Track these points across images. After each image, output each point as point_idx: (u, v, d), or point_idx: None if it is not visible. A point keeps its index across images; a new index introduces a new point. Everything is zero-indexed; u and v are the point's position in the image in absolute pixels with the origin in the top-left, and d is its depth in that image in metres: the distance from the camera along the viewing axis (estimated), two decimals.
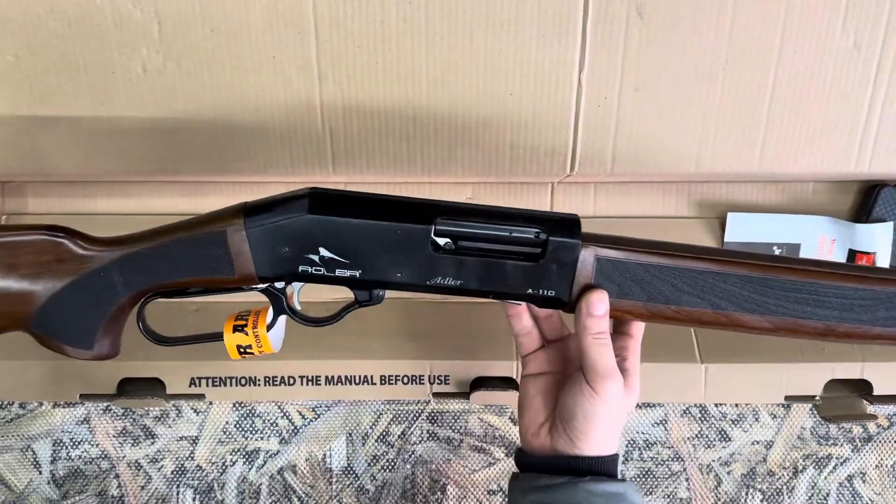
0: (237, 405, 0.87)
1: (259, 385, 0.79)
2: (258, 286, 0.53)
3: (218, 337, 0.55)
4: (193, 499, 0.88)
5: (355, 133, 0.73)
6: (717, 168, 0.76)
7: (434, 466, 0.88)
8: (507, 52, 0.69)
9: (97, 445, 0.87)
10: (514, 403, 0.82)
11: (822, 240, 0.83)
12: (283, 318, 0.56)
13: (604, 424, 0.54)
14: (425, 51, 0.69)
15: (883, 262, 0.82)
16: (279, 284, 0.53)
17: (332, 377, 0.79)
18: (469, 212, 0.51)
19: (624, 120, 0.73)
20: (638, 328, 0.59)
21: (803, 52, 0.71)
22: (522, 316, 0.59)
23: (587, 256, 0.51)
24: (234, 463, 0.88)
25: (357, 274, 0.50)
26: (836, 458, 0.90)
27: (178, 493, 0.88)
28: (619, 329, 0.60)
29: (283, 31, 0.69)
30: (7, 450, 0.88)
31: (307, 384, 0.79)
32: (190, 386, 0.79)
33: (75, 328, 0.52)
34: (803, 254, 0.84)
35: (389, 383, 0.79)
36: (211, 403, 0.87)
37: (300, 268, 0.50)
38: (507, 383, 0.79)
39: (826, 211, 0.84)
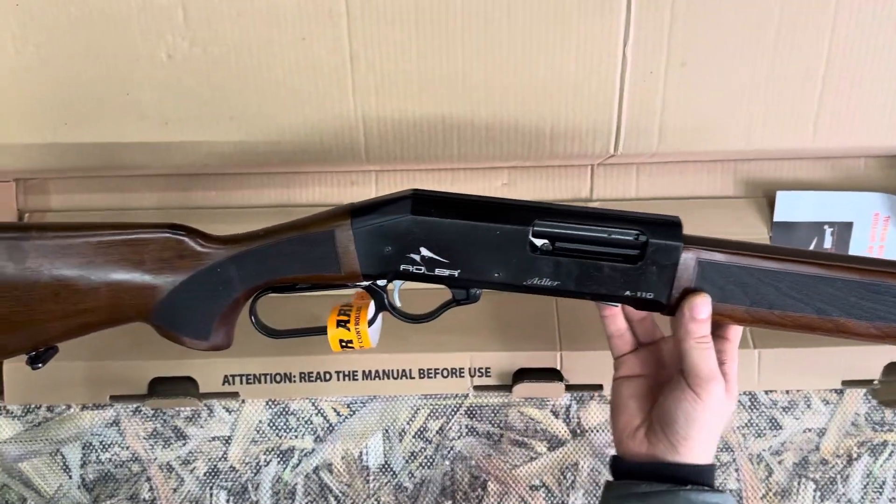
0: (270, 403, 0.84)
1: (294, 381, 0.76)
2: (362, 283, 0.55)
3: (322, 331, 0.57)
4: (227, 500, 0.85)
5: (388, 117, 0.70)
6: (767, 144, 0.72)
7: (474, 462, 0.85)
8: (547, 26, 0.66)
9: (127, 448, 0.85)
10: (558, 395, 0.79)
11: (876, 217, 0.80)
12: (380, 316, 0.58)
13: (706, 430, 0.54)
14: (461, 26, 0.66)
15: None
16: (381, 282, 0.55)
17: (369, 372, 0.76)
18: (567, 213, 0.52)
19: (670, 95, 0.70)
20: (735, 332, 0.58)
21: (859, 22, 0.67)
22: (617, 318, 0.59)
23: (688, 259, 0.51)
24: (268, 463, 0.85)
25: (456, 273, 0.52)
26: (893, 444, 0.86)
27: (211, 495, 0.85)
28: (715, 332, 0.58)
29: (312, 12, 0.66)
30: (36, 454, 0.85)
31: (343, 379, 0.76)
32: (223, 384, 0.77)
33: (193, 320, 0.55)
34: (856, 232, 0.80)
35: (429, 377, 0.76)
36: (243, 402, 0.84)
37: (402, 266, 0.52)
38: (550, 375, 0.76)
39: (879, 187, 0.80)
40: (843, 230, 0.80)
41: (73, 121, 0.70)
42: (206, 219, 0.79)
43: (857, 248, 0.81)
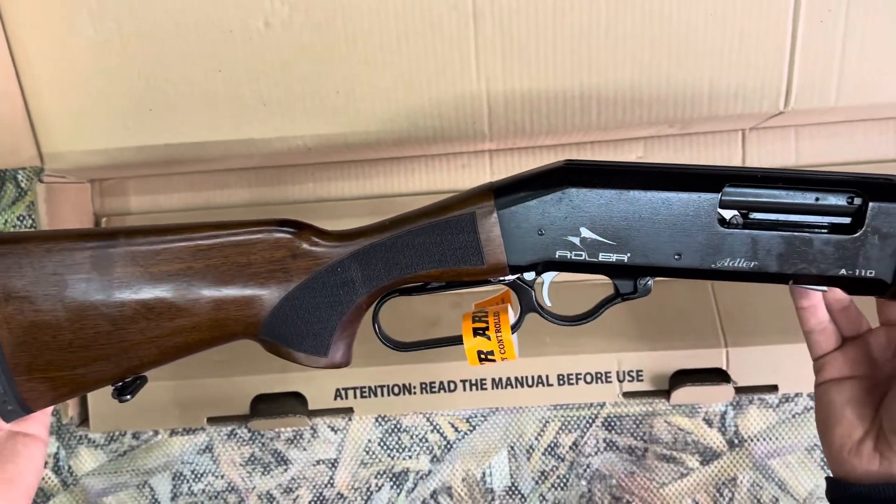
0: (380, 420, 0.75)
1: (415, 393, 0.67)
2: (507, 277, 0.46)
3: (457, 341, 0.49)
4: None
5: (517, 83, 0.60)
6: None
7: (615, 481, 0.74)
8: None
9: (223, 477, 0.76)
10: (725, 399, 0.68)
11: None
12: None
13: None
14: None
15: None
16: (529, 275, 0.46)
17: (499, 380, 0.66)
18: (762, 177, 0.42)
19: (852, 38, 0.59)
20: None
21: None
22: (819, 308, 0.49)
23: None
24: (380, 487, 0.75)
25: (625, 258, 0.43)
26: None
27: None
28: None
29: None
30: (122, 487, 0.77)
31: (470, 389, 0.67)
32: (335, 399, 0.67)
33: (310, 332, 0.47)
34: None
35: (569, 383, 0.66)
36: (350, 420, 0.75)
37: (557, 253, 0.44)
38: (715, 376, 0.65)
39: None
40: None
41: (159, 106, 0.62)
42: (303, 214, 0.70)
43: None
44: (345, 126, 0.62)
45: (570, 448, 0.75)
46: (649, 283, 0.45)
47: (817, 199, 0.42)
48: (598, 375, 0.66)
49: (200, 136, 0.63)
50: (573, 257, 0.44)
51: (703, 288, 0.68)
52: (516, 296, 0.47)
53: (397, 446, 0.75)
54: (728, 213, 0.43)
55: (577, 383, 0.66)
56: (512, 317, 0.48)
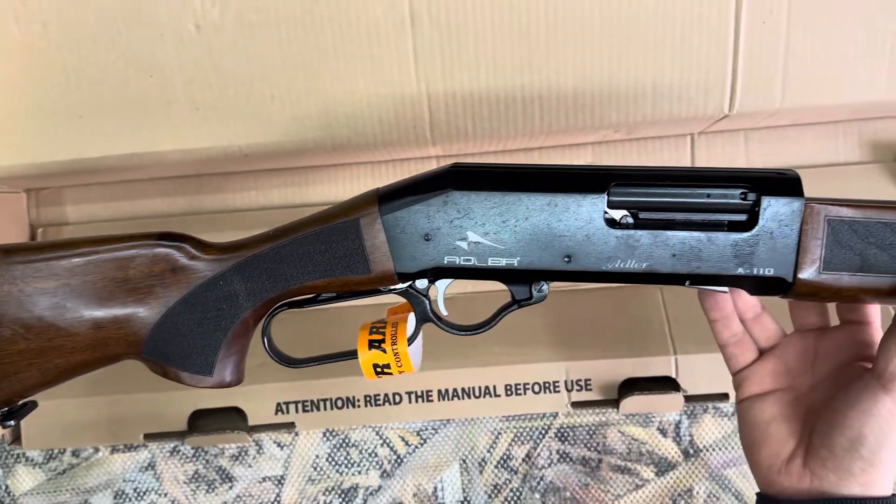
0: (328, 434, 0.72)
1: (359, 406, 0.65)
2: (398, 286, 0.45)
3: (352, 355, 0.47)
4: None
5: (457, 86, 0.59)
6: None
7: (569, 494, 0.73)
8: None
9: (166, 495, 0.73)
10: (675, 409, 0.66)
11: None
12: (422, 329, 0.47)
13: None
14: None
15: None
16: (421, 284, 0.45)
17: (446, 391, 0.65)
18: (651, 175, 0.41)
19: (796, 36, 0.58)
20: (875, 312, 0.46)
21: None
22: (731, 320, 0.48)
23: (813, 219, 0.40)
24: None
25: (515, 262, 0.42)
26: None
27: None
28: (848, 317, 0.47)
29: None
30: None
31: (417, 401, 0.65)
32: (276, 413, 0.65)
33: (193, 350, 0.45)
34: None
35: (517, 394, 0.64)
36: (297, 434, 0.72)
37: (446, 258, 0.42)
38: (665, 385, 0.64)
39: None
40: None
41: (90, 112, 0.60)
42: (245, 223, 0.68)
43: None
44: (281, 131, 0.60)
45: (523, 460, 0.73)
46: (544, 287, 0.44)
47: (708, 196, 0.41)
48: (546, 385, 0.64)
49: (133, 143, 0.61)
50: (462, 263, 0.42)
51: (653, 294, 0.66)
52: (411, 306, 0.45)
53: (346, 461, 0.73)
54: (618, 214, 0.41)
55: (524, 393, 0.64)
56: (411, 328, 0.46)
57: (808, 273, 0.41)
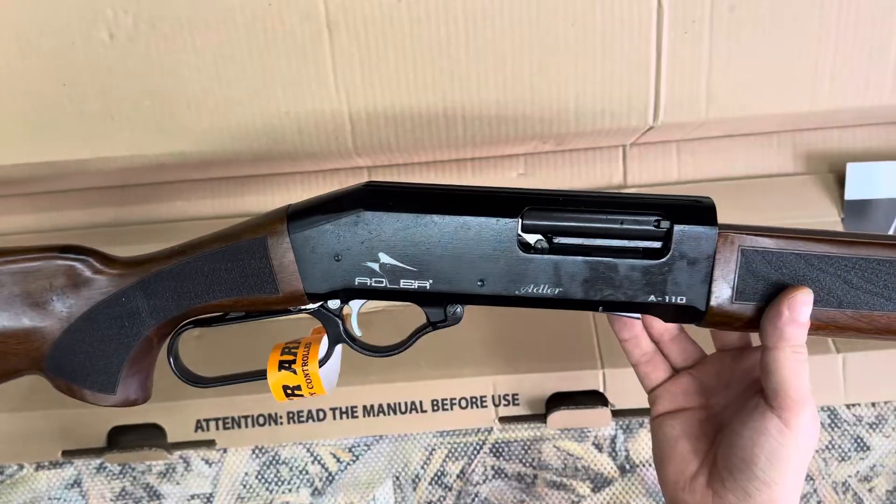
0: (257, 451, 0.71)
1: (281, 424, 0.63)
2: (308, 307, 0.44)
3: (261, 375, 0.46)
4: None
5: (378, 97, 0.58)
6: (837, 104, 0.60)
7: None
8: None
9: None
10: (603, 423, 0.65)
11: None
12: (339, 349, 0.46)
13: (792, 470, 0.41)
14: None
15: None
16: (333, 304, 0.44)
17: (371, 407, 0.63)
18: (565, 199, 0.41)
19: (719, 49, 0.57)
20: None
21: None
22: (640, 339, 0.47)
23: (727, 248, 0.40)
24: None
25: (427, 285, 0.41)
26: None
27: None
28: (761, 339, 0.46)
29: None
30: None
31: (341, 418, 0.63)
32: (196, 431, 0.64)
33: (95, 368, 0.44)
34: None
35: (444, 409, 0.63)
36: (225, 451, 0.71)
37: (357, 280, 0.41)
38: (592, 399, 0.63)
39: None
40: None
41: (4, 121, 0.58)
42: (172, 234, 0.67)
43: None
44: (198, 141, 0.59)
45: (458, 476, 0.71)
46: (458, 310, 0.43)
47: (622, 223, 0.40)
48: (474, 400, 0.63)
49: (47, 152, 0.59)
50: (374, 284, 0.41)
51: None
52: (323, 326, 0.44)
53: (276, 479, 0.71)
54: (532, 238, 0.41)
55: (451, 409, 0.63)
56: (325, 348, 0.45)
57: (720, 302, 0.41)
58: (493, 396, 0.63)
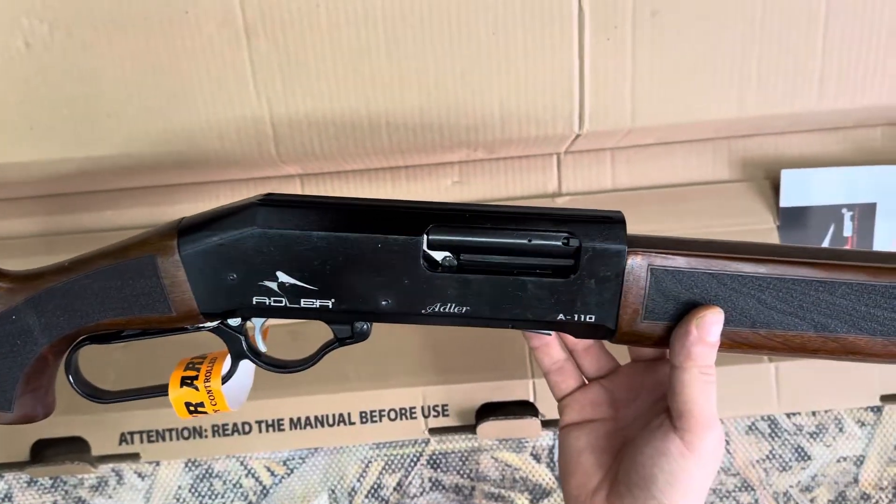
0: (190, 464, 0.70)
1: (206, 437, 0.62)
2: (207, 325, 0.42)
3: (163, 391, 0.44)
4: None
5: (300, 104, 0.57)
6: (765, 110, 0.59)
7: None
8: None
9: None
10: (533, 434, 0.65)
11: None
12: (245, 365, 0.44)
13: (692, 491, 0.40)
14: None
15: None
16: (234, 321, 0.42)
17: (299, 420, 0.62)
18: (473, 215, 0.39)
19: (642, 55, 0.57)
20: None
21: None
22: (551, 348, 0.46)
23: (637, 267, 0.39)
24: None
25: (329, 304, 0.40)
26: None
27: None
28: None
29: None
30: None
31: (267, 430, 0.62)
32: (120, 444, 0.63)
33: None
34: (881, 215, 0.66)
35: (372, 421, 0.62)
36: (158, 464, 0.69)
37: (254, 299, 0.39)
38: (522, 409, 0.62)
39: None
40: (866, 213, 0.66)
41: None
42: (98, 244, 0.66)
43: (883, 235, 0.67)
44: (119, 148, 0.58)
45: (395, 489, 0.70)
46: (366, 327, 0.41)
47: (531, 240, 0.39)
48: (403, 411, 0.62)
49: None
50: (273, 303, 0.39)
51: None
52: (225, 343, 0.43)
53: (209, 493, 0.70)
54: (439, 255, 0.39)
55: (380, 420, 0.62)
56: (228, 365, 0.44)
57: (629, 321, 0.40)
58: (422, 407, 0.62)
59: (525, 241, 0.39)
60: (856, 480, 0.71)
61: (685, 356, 0.39)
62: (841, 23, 0.57)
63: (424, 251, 0.39)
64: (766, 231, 0.66)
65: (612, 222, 0.39)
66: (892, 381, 0.63)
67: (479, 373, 0.62)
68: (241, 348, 0.43)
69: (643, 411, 0.45)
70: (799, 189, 0.66)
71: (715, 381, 0.40)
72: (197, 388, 0.43)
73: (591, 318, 0.39)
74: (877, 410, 0.70)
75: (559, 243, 0.39)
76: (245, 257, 0.39)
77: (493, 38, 0.56)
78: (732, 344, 0.41)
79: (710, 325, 0.39)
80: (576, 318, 0.39)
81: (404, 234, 0.38)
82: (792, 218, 0.66)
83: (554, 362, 0.47)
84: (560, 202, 0.67)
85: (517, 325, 0.40)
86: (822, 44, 0.57)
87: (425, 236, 0.39)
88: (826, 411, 0.70)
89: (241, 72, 0.56)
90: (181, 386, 0.44)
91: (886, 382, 0.62)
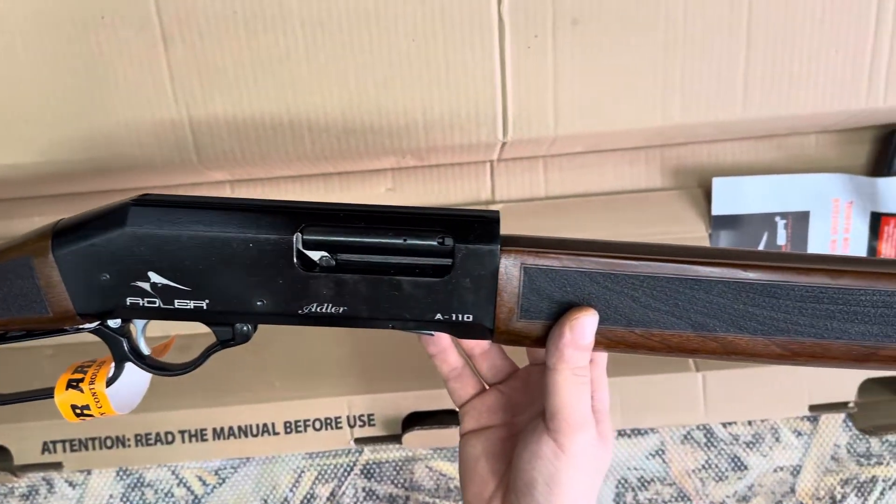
0: (122, 473, 0.69)
1: (129, 446, 0.62)
2: (86, 326, 0.42)
3: (50, 393, 0.44)
4: None
5: (220, 109, 0.57)
6: (690, 118, 0.59)
7: None
8: None
9: None
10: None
11: (837, 204, 0.66)
12: (135, 369, 0.44)
13: (573, 493, 0.39)
14: None
15: None
16: (114, 323, 0.42)
17: (222, 429, 0.61)
18: (347, 215, 0.39)
19: (563, 62, 0.57)
20: (601, 354, 0.44)
21: None
22: (448, 354, 0.46)
23: (510, 266, 0.39)
24: None
25: (204, 305, 0.39)
26: (883, 480, 0.71)
27: None
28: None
29: None
30: None
31: (191, 440, 0.61)
32: (43, 453, 0.62)
33: None
34: (814, 223, 0.66)
35: (297, 431, 0.62)
36: (88, 473, 0.69)
37: (128, 300, 0.40)
38: (448, 418, 0.61)
39: (837, 167, 0.67)
40: (799, 221, 0.66)
41: None
42: None
43: (817, 241, 0.67)
44: (38, 155, 0.58)
45: (328, 499, 0.70)
46: (246, 328, 0.41)
47: (406, 240, 0.39)
48: (328, 421, 0.61)
49: None
50: (147, 304, 0.39)
51: None
52: (106, 345, 0.43)
53: (141, 502, 0.69)
54: (316, 255, 0.39)
55: (305, 430, 0.61)
56: (113, 367, 0.43)
57: (505, 319, 0.39)
58: (348, 417, 0.62)
59: (400, 241, 0.39)
60: (793, 490, 0.71)
61: (558, 358, 0.39)
62: (763, 31, 0.56)
63: (299, 251, 0.39)
64: (698, 239, 0.66)
65: (486, 221, 0.39)
66: (820, 390, 0.62)
67: (405, 382, 0.61)
68: (123, 351, 0.43)
69: (538, 415, 0.44)
70: (730, 197, 0.66)
71: (587, 382, 0.40)
72: (82, 391, 0.43)
73: (468, 318, 0.39)
74: (813, 420, 0.70)
75: (434, 243, 0.39)
76: (117, 258, 0.39)
77: (412, 46, 0.55)
78: (609, 343, 0.40)
79: (583, 327, 0.38)
80: (454, 318, 0.39)
81: (276, 234, 0.38)
82: (724, 225, 0.66)
83: (452, 369, 0.46)
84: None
85: (397, 325, 0.40)
86: (745, 52, 0.57)
87: (299, 235, 0.39)
88: (762, 421, 0.70)
89: (158, 77, 0.56)
90: (67, 388, 0.43)
91: (815, 392, 0.62)
